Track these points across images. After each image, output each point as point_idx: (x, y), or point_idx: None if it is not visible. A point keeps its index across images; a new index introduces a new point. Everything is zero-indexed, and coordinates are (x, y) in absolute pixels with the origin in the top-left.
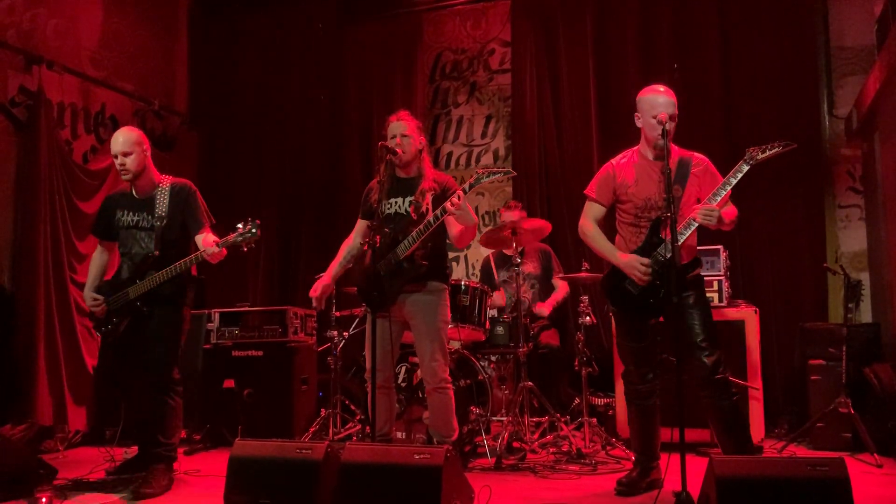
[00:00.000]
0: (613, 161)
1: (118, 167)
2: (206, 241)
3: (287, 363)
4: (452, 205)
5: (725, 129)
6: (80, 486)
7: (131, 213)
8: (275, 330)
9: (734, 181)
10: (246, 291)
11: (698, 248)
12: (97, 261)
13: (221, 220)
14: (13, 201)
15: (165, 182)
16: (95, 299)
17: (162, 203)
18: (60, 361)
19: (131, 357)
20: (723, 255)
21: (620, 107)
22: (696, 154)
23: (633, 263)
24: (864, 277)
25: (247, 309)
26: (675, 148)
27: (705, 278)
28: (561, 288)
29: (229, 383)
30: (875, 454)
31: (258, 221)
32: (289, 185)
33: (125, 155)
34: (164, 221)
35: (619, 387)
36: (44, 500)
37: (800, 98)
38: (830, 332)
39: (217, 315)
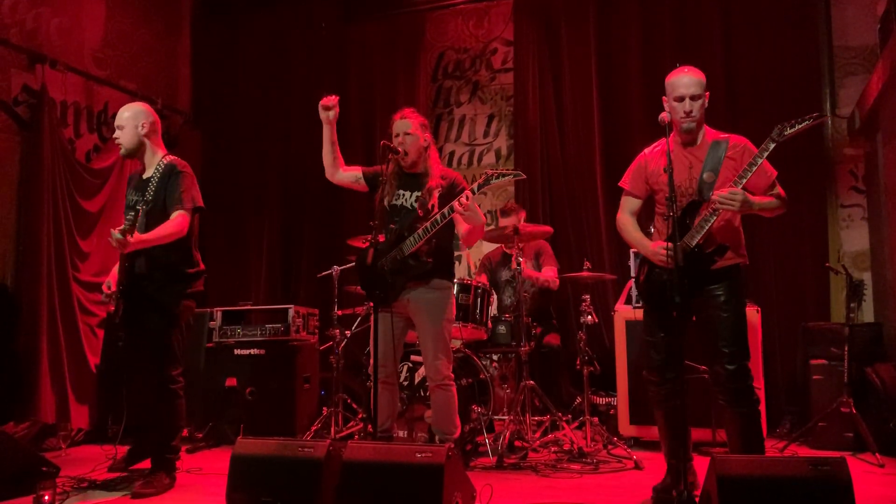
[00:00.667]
0: (646, 150)
1: (115, 139)
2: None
3: (289, 362)
4: (461, 204)
5: (728, 129)
6: (83, 484)
7: (133, 193)
8: (277, 328)
9: (760, 160)
10: (248, 290)
11: None
12: None
13: (224, 218)
14: (16, 200)
15: (164, 161)
16: (108, 287)
17: (153, 184)
18: (63, 359)
19: (131, 353)
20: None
21: (623, 105)
22: (732, 136)
23: (657, 251)
24: (867, 277)
25: (249, 307)
26: (709, 130)
27: None
28: (546, 272)
29: (231, 382)
30: (877, 454)
31: (139, 209)
32: (291, 184)
33: (119, 128)
34: (150, 205)
35: (621, 386)
36: (46, 497)
37: (802, 97)
38: (832, 331)
39: (219, 313)
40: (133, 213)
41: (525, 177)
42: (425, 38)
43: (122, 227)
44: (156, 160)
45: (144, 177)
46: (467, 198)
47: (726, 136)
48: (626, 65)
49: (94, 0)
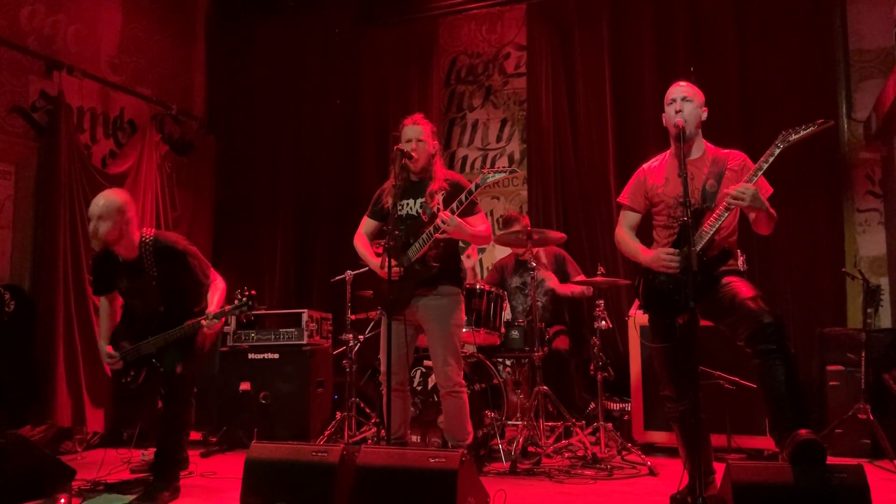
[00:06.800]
0: (645, 165)
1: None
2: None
3: (303, 366)
4: (443, 222)
5: (743, 133)
6: (98, 487)
7: (125, 279)
8: (291, 333)
9: (765, 165)
10: (262, 294)
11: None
12: (105, 310)
13: (238, 222)
14: (33, 205)
15: (148, 237)
16: (111, 356)
17: (147, 263)
18: (79, 364)
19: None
20: (740, 259)
21: (636, 110)
22: (732, 151)
23: (657, 255)
24: (884, 282)
25: (263, 312)
26: (709, 146)
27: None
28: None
29: (245, 386)
30: (894, 461)
31: (254, 293)
32: (305, 189)
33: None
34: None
35: (635, 392)
36: (62, 500)
37: (818, 101)
38: (849, 337)
39: (233, 318)
40: (250, 301)
41: (519, 172)
42: (438, 43)
43: (222, 310)
44: (134, 242)
45: (124, 259)
46: (443, 220)
47: (726, 151)
48: (640, 69)
49: (111, 7)
